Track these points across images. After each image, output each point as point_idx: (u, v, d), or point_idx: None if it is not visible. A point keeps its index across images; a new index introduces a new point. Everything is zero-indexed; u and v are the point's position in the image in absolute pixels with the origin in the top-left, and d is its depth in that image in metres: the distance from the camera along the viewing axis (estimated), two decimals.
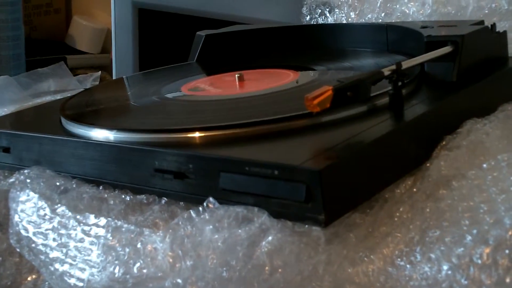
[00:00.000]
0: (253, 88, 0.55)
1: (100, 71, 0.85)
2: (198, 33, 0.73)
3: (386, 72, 0.46)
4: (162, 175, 0.44)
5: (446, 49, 0.52)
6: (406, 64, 0.48)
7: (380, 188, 0.41)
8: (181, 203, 0.43)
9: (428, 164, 0.43)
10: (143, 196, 0.45)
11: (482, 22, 0.60)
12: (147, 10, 0.93)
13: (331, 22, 0.68)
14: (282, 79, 0.57)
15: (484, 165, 0.39)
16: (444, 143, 0.44)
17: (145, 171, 0.45)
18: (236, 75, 0.58)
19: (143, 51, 0.93)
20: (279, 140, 0.43)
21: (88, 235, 0.39)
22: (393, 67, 0.46)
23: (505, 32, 0.58)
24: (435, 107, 0.47)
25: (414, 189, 0.40)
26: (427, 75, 0.53)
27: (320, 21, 0.71)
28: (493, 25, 0.57)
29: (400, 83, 0.47)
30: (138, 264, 0.36)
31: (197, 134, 0.45)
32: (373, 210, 0.40)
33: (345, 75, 0.55)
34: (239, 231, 0.37)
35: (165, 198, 0.44)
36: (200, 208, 0.40)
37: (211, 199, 0.41)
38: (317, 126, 0.44)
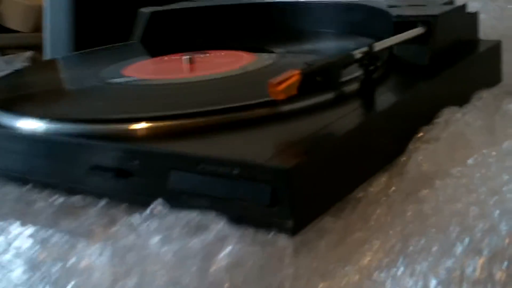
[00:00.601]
0: (205, 71, 0.49)
1: (31, 51, 0.77)
2: (141, 10, 0.66)
3: (358, 55, 0.41)
4: (101, 172, 0.38)
5: (419, 30, 0.47)
6: (379, 46, 0.43)
7: (352, 187, 0.36)
8: (123, 205, 0.37)
9: (404, 159, 0.39)
10: (78, 197, 0.38)
11: (452, 2, 0.56)
12: None
13: (290, 0, 0.63)
14: (239, 61, 0.51)
15: (470, 161, 0.35)
16: (420, 134, 0.40)
17: (81, 168, 0.38)
18: (186, 57, 0.52)
19: (80, 29, 0.85)
20: (238, 133, 0.37)
21: (10, 246, 0.33)
22: (365, 49, 0.42)
23: (476, 13, 0.54)
24: (409, 94, 0.43)
25: (392, 188, 0.35)
26: (396, 58, 0.48)
27: None
28: (464, 5, 0.53)
29: (371, 67, 0.42)
30: (72, 283, 0.30)
31: (142, 125, 0.39)
32: (345, 212, 0.35)
33: (307, 59, 0.50)
34: (193, 241, 0.31)
35: (105, 200, 0.38)
36: (147, 213, 0.34)
37: (159, 201, 0.35)
38: (281, 116, 0.39)
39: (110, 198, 0.38)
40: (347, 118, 0.38)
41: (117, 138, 0.38)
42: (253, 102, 0.39)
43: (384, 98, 0.42)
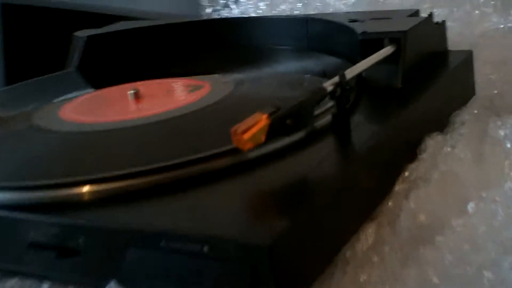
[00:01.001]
0: (155, 108, 0.43)
1: None
2: (76, 34, 0.59)
3: (329, 87, 0.36)
4: (41, 251, 0.31)
5: (389, 50, 0.42)
6: (350, 73, 0.38)
7: (340, 245, 0.32)
8: None
9: (390, 203, 0.34)
10: (14, 281, 0.32)
11: (417, 12, 0.51)
12: (11, 5, 0.77)
13: (238, 16, 0.57)
14: (192, 92, 0.45)
15: (469, 208, 0.31)
16: (406, 174, 0.35)
17: (17, 246, 0.32)
18: (131, 92, 0.46)
19: (9, 53, 0.77)
20: (204, 191, 0.31)
21: None
22: (336, 79, 0.37)
23: (444, 23, 0.50)
24: (388, 123, 0.38)
25: (386, 247, 0.30)
26: (364, 80, 0.44)
27: (224, 14, 0.60)
28: (431, 15, 0.49)
29: (344, 99, 0.37)
30: None
31: (86, 189, 0.33)
32: (335, 279, 0.30)
33: (269, 85, 0.45)
34: None
35: (47, 284, 0.32)
36: None
37: (112, 284, 0.29)
38: (248, 165, 0.34)
39: (53, 281, 0.32)
40: (325, 162, 0.33)
41: (56, 207, 0.32)
42: (217, 151, 0.34)
43: (362, 132, 0.37)
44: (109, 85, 0.51)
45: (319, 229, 0.30)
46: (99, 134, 0.40)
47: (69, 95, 0.50)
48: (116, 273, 0.30)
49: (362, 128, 0.37)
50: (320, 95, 0.35)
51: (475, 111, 0.42)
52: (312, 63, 0.49)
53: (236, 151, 0.33)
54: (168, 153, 0.35)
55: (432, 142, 0.37)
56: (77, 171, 0.35)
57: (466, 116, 0.41)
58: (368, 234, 0.32)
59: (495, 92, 0.46)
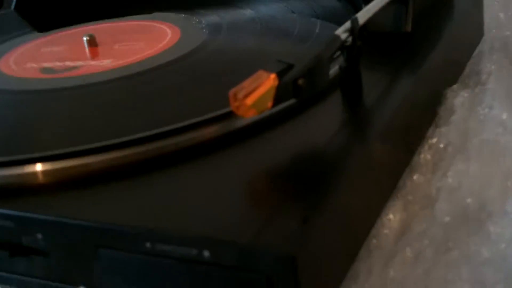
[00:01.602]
0: (117, 59, 0.35)
1: None
2: None
3: (343, 35, 0.29)
4: None
5: None
6: (362, 17, 0.31)
7: (363, 238, 0.26)
8: None
9: (415, 177, 0.28)
10: None
11: None
12: None
13: None
14: (159, 38, 0.38)
15: None
16: (434, 141, 0.29)
17: None
18: (85, 38, 0.38)
19: None
20: (192, 174, 0.24)
21: None
22: (348, 25, 0.30)
23: None
24: (403, 78, 0.31)
25: (425, 241, 0.24)
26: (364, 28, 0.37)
27: None
28: None
29: (355, 50, 0.30)
30: None
31: (39, 168, 0.25)
32: (359, 281, 0.24)
33: (255, 32, 0.38)
34: None
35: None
36: None
37: None
38: (238, 136, 0.27)
39: (7, 285, 0.25)
40: (339, 135, 0.27)
41: (4, 195, 0.25)
42: (203, 118, 0.27)
43: (375, 89, 0.30)
44: (53, 28, 0.43)
45: (341, 222, 0.24)
46: (53, 94, 0.33)
47: (8, 43, 0.42)
48: (84, 277, 0.23)
49: (374, 84, 0.31)
50: (335, 46, 0.28)
51: (494, 57, 0.37)
52: (299, 3, 0.42)
53: (227, 116, 0.27)
54: (144, 119, 0.28)
55: (460, 100, 0.31)
56: (27, 145, 0.27)
57: (487, 65, 0.35)
58: (396, 218, 0.26)
59: (507, 33, 0.40)
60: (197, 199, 0.23)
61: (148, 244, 0.22)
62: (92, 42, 0.38)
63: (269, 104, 0.25)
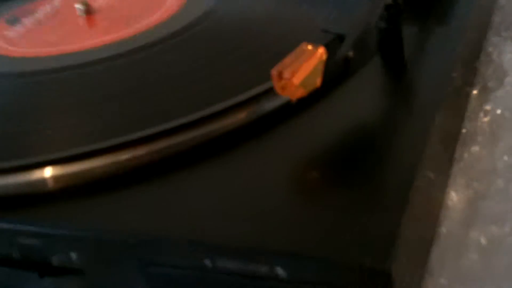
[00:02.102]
0: (120, 33, 0.31)
1: None
2: None
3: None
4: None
5: None
6: None
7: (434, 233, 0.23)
8: None
9: (473, 149, 0.26)
10: None
11: None
12: None
13: None
14: (159, 4, 0.34)
15: None
16: (488, 107, 0.27)
17: None
18: (78, 6, 0.34)
19: None
20: (241, 172, 0.21)
21: None
22: None
23: None
24: (460, 38, 0.28)
25: (498, 225, 0.22)
26: None
27: None
28: None
29: (397, 12, 0.27)
30: None
31: (50, 172, 0.22)
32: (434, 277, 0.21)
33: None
34: None
35: None
36: None
37: None
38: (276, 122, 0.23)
39: None
40: (398, 115, 0.23)
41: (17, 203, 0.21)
42: (236, 101, 0.24)
43: (422, 53, 0.27)
44: None
45: (418, 220, 0.21)
46: (50, 76, 0.29)
47: None
48: None
49: (414, 44, 0.28)
50: (381, 12, 0.24)
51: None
52: None
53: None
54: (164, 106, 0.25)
55: (509, 57, 0.28)
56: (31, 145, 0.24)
57: None
58: (459, 199, 0.24)
59: None
60: (255, 203, 0.20)
61: (208, 262, 0.18)
62: (88, 11, 0.34)
63: (318, 81, 0.22)
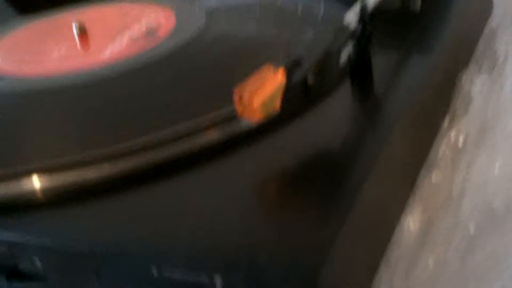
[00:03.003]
0: (112, 51, 0.33)
1: None
2: None
3: (352, 22, 0.27)
4: None
5: None
6: (372, 1, 0.29)
7: (383, 250, 0.24)
8: None
9: (433, 175, 0.26)
10: None
11: None
12: None
13: None
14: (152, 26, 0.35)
15: None
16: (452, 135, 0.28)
17: None
18: (74, 25, 0.36)
19: None
20: (190, 184, 0.23)
21: None
22: (356, 9, 0.28)
23: None
24: (419, 66, 0.29)
25: (448, 247, 0.23)
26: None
27: None
28: None
29: (365, 37, 0.28)
30: None
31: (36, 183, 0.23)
32: None
33: (259, 17, 0.35)
34: None
35: None
36: None
37: None
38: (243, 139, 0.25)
39: None
40: (356, 132, 0.25)
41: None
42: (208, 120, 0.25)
43: (386, 78, 0.28)
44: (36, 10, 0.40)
45: (362, 231, 0.22)
46: (45, 95, 0.30)
47: None
48: None
49: (384, 71, 0.29)
50: (344, 37, 0.26)
51: (508, 34, 0.35)
52: None
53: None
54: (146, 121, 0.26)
55: (477, 88, 0.29)
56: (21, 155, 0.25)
57: (502, 44, 0.33)
58: (414, 222, 0.25)
59: None
60: (204, 212, 0.21)
61: (154, 270, 0.20)
62: (82, 30, 0.36)
63: (277, 105, 0.23)
